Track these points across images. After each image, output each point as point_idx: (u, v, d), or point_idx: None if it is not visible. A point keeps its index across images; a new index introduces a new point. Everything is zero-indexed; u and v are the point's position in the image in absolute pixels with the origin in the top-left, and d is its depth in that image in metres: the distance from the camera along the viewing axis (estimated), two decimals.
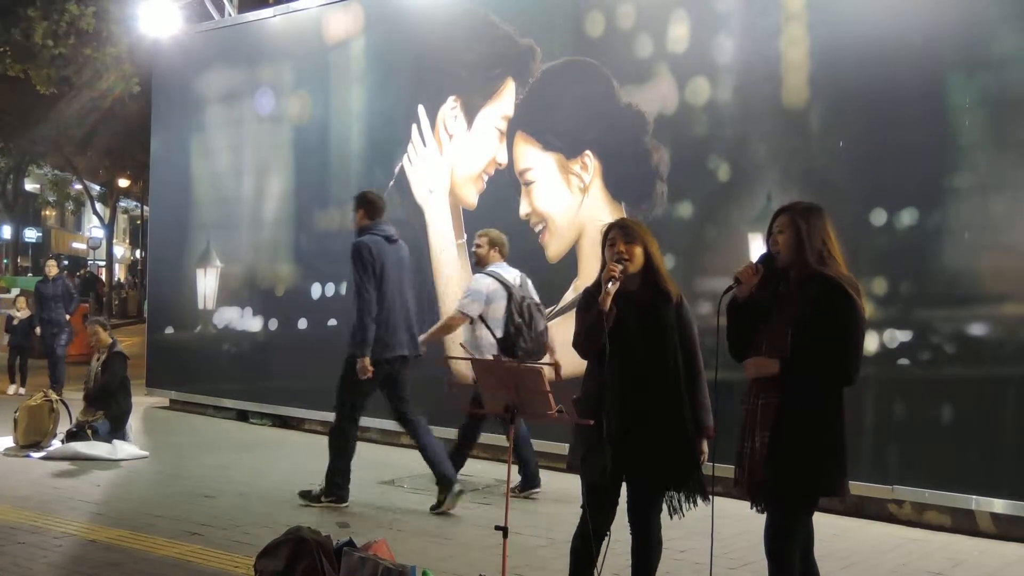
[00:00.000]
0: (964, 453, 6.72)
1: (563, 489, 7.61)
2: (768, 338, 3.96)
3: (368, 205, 7.28)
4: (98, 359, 9.37)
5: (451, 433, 9.37)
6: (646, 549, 4.39)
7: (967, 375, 6.77)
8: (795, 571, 3.99)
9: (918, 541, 6.54)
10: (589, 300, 4.38)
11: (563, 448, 8.07)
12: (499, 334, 7.31)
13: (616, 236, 4.38)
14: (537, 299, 7.59)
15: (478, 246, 7.69)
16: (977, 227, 6.75)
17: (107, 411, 9.14)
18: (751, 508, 4.06)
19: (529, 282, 7.70)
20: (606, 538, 4.32)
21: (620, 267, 4.29)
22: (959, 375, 6.80)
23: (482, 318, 7.37)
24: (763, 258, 4.05)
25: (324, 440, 10.14)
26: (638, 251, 4.35)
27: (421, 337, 7.57)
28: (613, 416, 4.25)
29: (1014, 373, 6.59)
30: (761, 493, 3.96)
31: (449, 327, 7.80)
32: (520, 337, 7.27)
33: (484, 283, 7.46)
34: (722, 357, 4.16)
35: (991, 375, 6.68)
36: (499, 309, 7.37)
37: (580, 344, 4.42)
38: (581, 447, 4.40)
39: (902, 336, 6.96)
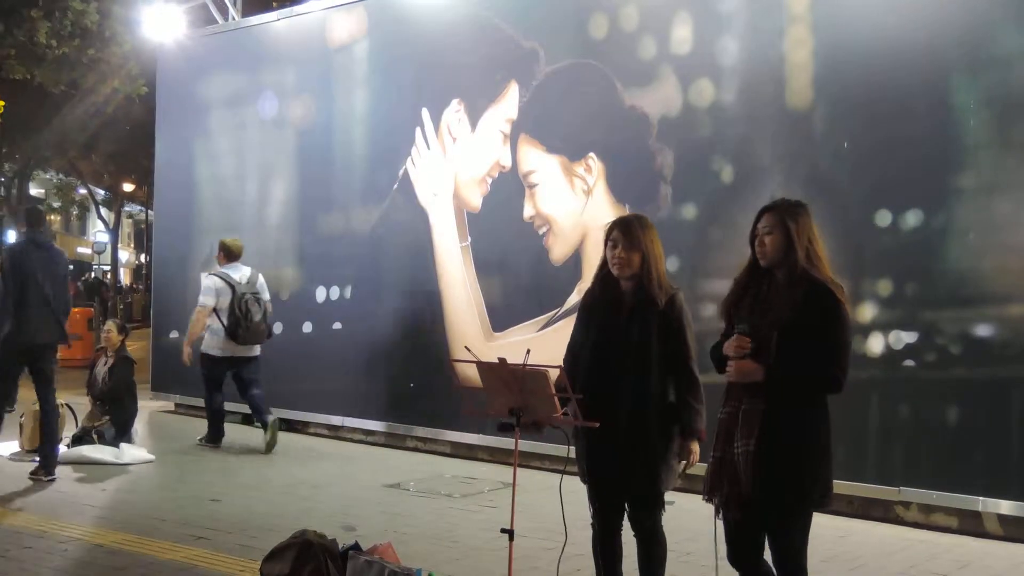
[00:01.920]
0: (970, 454, 6.71)
1: (570, 492, 7.60)
2: (752, 342, 3.86)
3: (28, 218, 8.57)
4: (105, 363, 9.37)
5: (457, 437, 9.41)
6: (645, 551, 4.45)
7: (973, 376, 6.75)
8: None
9: (925, 543, 6.53)
10: (581, 313, 4.54)
11: (568, 451, 8.10)
12: (226, 323, 9.23)
13: (616, 238, 4.39)
14: (266, 295, 9.56)
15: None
16: (982, 228, 6.74)
17: (113, 416, 9.14)
18: (717, 514, 3.98)
19: (260, 278, 9.60)
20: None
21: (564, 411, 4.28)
22: (965, 376, 6.78)
23: (215, 310, 9.22)
24: (750, 264, 4.03)
25: (329, 443, 10.24)
26: (636, 258, 4.36)
27: (186, 341, 9.81)
28: (602, 419, 4.27)
29: (1020, 373, 6.58)
30: (744, 504, 3.85)
31: (198, 321, 9.50)
32: (239, 326, 9.19)
33: (212, 282, 9.46)
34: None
35: (997, 376, 6.66)
36: (225, 302, 9.28)
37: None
38: (576, 450, 4.51)
39: (907, 337, 6.94)
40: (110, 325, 9.53)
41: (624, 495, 4.40)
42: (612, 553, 4.48)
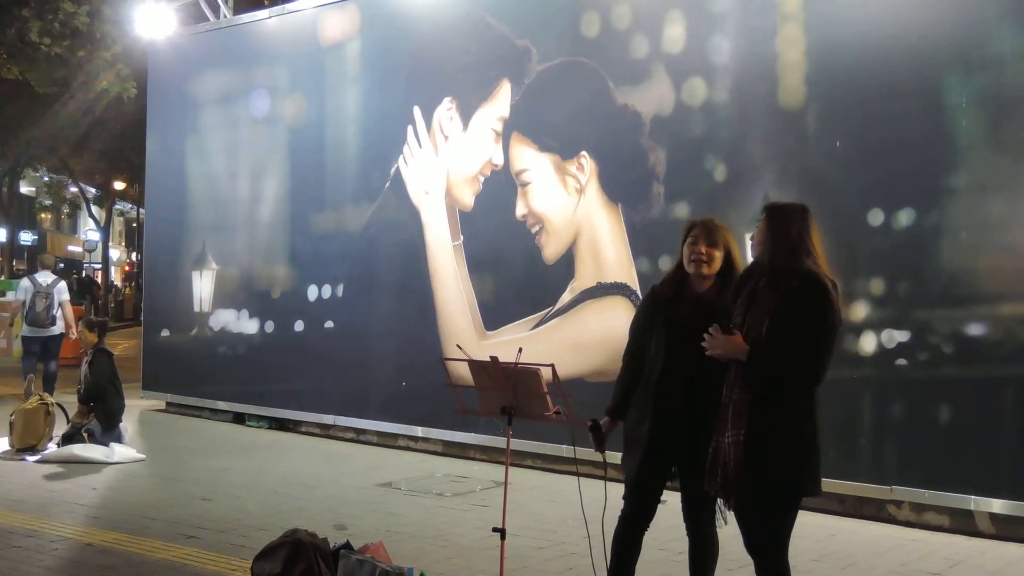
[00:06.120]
0: (962, 453, 6.71)
1: (560, 491, 7.60)
2: (745, 333, 3.95)
3: None
4: (87, 361, 9.34)
5: (449, 435, 9.41)
6: (703, 550, 4.42)
7: (965, 375, 6.76)
8: (787, 570, 4.00)
9: (917, 542, 6.53)
10: (648, 304, 4.48)
11: (560, 450, 8.11)
12: (27, 311, 12.37)
13: (699, 234, 4.35)
14: (64, 297, 12.53)
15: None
16: (974, 227, 6.75)
17: (96, 410, 9.10)
18: (724, 505, 4.09)
19: (61, 284, 12.67)
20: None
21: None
22: (957, 375, 6.79)
23: (25, 302, 12.39)
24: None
25: (321, 442, 10.23)
26: (717, 254, 4.33)
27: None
28: (666, 416, 4.25)
29: (1012, 373, 6.59)
30: (737, 492, 3.94)
31: (14, 309, 13.74)
32: (28, 314, 12.30)
33: (23, 283, 12.87)
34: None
35: (989, 375, 6.67)
36: (30, 297, 12.36)
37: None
38: (624, 444, 4.43)
39: (900, 336, 6.95)
40: (80, 327, 9.56)
41: (695, 492, 4.31)
42: (635, 550, 4.44)
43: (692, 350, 4.16)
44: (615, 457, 4.47)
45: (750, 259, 4.18)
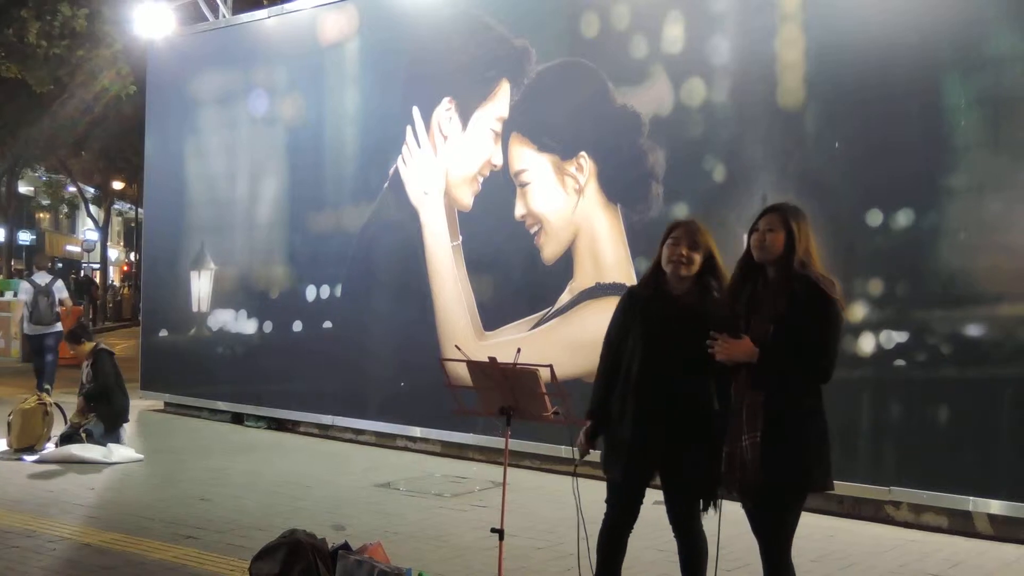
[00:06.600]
0: (961, 454, 6.71)
1: (559, 491, 7.60)
2: (750, 337, 3.97)
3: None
4: (89, 364, 9.32)
5: (447, 436, 9.40)
6: (691, 550, 4.39)
7: (964, 376, 6.76)
8: (791, 569, 4.01)
9: (915, 542, 6.53)
10: (625, 304, 4.45)
11: (559, 450, 8.11)
12: (29, 311, 13.05)
13: (680, 236, 4.33)
14: (63, 295, 13.35)
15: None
16: (973, 227, 6.75)
17: (100, 411, 9.08)
18: (741, 507, 4.09)
19: (59, 282, 13.39)
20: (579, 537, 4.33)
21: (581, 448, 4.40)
22: (955, 376, 6.79)
23: (27, 304, 13.06)
24: (745, 260, 4.11)
25: (319, 443, 10.23)
26: (697, 257, 4.29)
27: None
28: (646, 417, 4.23)
29: (1011, 374, 6.58)
30: (754, 493, 3.98)
31: (18, 310, 13.98)
32: (31, 313, 12.93)
33: (24, 285, 13.79)
34: None
35: (988, 376, 6.67)
36: (30, 298, 13.06)
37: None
38: (605, 445, 4.42)
39: (898, 337, 6.95)
40: (70, 346, 9.70)
41: (683, 493, 4.31)
42: (619, 550, 4.42)
43: (670, 350, 4.19)
44: (593, 455, 4.47)
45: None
